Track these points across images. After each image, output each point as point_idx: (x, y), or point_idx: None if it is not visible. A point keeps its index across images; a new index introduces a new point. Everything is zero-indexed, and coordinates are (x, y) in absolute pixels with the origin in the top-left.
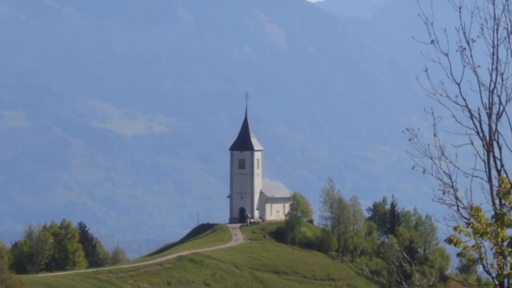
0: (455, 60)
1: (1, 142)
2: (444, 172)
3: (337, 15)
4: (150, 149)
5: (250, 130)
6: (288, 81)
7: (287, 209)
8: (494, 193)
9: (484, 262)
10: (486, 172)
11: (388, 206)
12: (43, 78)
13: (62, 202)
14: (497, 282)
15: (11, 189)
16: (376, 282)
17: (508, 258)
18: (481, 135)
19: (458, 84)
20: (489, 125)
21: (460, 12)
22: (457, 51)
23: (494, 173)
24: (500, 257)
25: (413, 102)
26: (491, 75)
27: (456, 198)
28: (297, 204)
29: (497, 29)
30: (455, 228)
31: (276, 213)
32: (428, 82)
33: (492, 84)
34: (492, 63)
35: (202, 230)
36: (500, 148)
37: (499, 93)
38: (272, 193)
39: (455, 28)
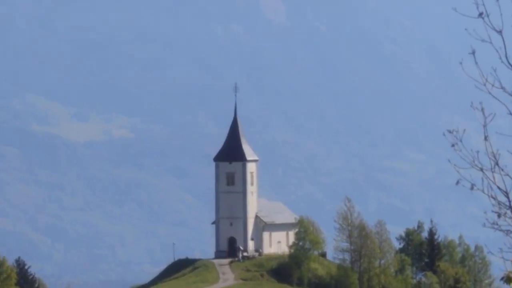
0: (511, 39)
1: None
2: (499, 188)
3: None
4: (108, 160)
5: (241, 134)
6: (290, 69)
7: (292, 239)
8: None
9: None
10: None
11: (425, 234)
12: None
13: None
14: None
15: None
16: None
17: None
18: None
19: None
20: None
21: None
22: None
23: None
24: None
25: (456, 96)
26: None
27: None
28: (304, 232)
29: None
30: None
31: (277, 244)
32: (476, 68)
33: None
34: None
35: (179, 268)
36: None
37: None
38: (272, 217)
39: None
